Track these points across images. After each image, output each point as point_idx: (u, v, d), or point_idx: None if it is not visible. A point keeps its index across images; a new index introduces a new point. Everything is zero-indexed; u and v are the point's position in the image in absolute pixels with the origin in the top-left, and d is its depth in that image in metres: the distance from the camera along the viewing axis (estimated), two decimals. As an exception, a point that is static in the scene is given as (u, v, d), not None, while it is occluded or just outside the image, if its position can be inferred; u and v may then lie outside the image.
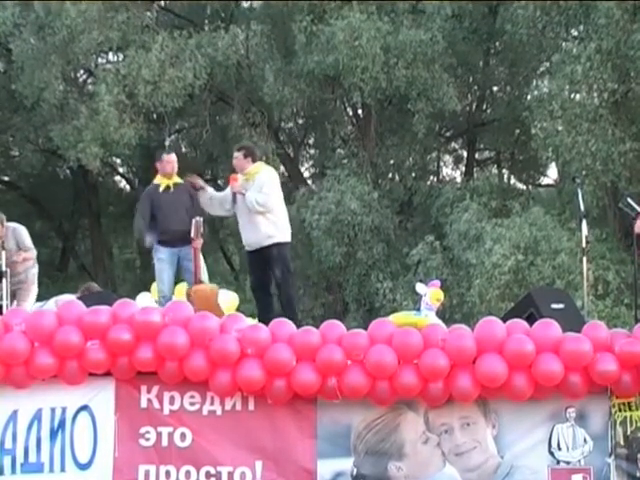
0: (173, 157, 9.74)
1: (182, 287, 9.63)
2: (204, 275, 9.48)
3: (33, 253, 10.40)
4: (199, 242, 9.27)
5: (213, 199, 9.62)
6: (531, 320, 7.54)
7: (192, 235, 9.16)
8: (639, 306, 8.63)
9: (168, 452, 7.32)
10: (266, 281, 9.49)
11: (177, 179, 9.68)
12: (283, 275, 9.35)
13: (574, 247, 15.29)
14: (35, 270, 10.43)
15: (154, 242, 9.47)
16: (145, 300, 9.99)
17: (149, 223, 9.49)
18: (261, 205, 9.17)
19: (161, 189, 9.56)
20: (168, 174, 9.63)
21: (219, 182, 25.12)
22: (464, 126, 23.11)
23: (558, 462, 7.31)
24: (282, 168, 21.58)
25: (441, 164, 25.26)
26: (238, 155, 9.44)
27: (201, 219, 9.26)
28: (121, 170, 27.79)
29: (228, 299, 10.22)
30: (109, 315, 7.28)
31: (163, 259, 9.41)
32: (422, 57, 18.73)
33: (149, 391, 7.38)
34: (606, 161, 16.29)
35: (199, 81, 19.57)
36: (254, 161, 9.47)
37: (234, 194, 9.34)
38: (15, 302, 9.94)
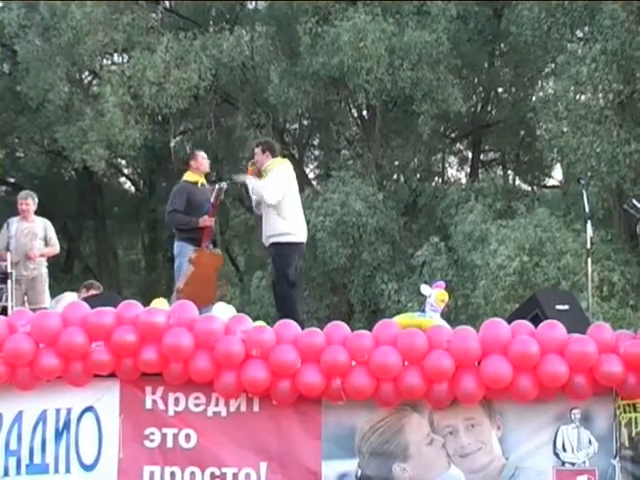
0: (205, 154, 9.78)
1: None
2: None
3: (57, 248, 11.02)
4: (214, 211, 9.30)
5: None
6: (536, 321, 7.52)
7: (212, 200, 9.22)
8: (644, 307, 8.63)
9: (173, 453, 7.30)
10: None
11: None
12: (276, 278, 9.24)
13: (579, 248, 15.29)
14: (46, 270, 10.61)
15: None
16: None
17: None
18: (255, 193, 8.94)
19: (197, 186, 9.52)
20: (204, 172, 9.68)
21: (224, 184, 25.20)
22: (469, 127, 23.12)
23: (563, 463, 7.28)
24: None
25: (446, 165, 25.32)
26: (257, 151, 9.18)
27: (224, 186, 9.31)
28: (126, 171, 27.86)
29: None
30: (114, 316, 7.27)
31: None
32: (427, 58, 18.75)
33: (154, 392, 7.36)
34: (611, 162, 16.30)
35: (204, 82, 19.62)
36: (273, 156, 9.12)
37: (246, 187, 9.11)
38: (27, 304, 10.04)
